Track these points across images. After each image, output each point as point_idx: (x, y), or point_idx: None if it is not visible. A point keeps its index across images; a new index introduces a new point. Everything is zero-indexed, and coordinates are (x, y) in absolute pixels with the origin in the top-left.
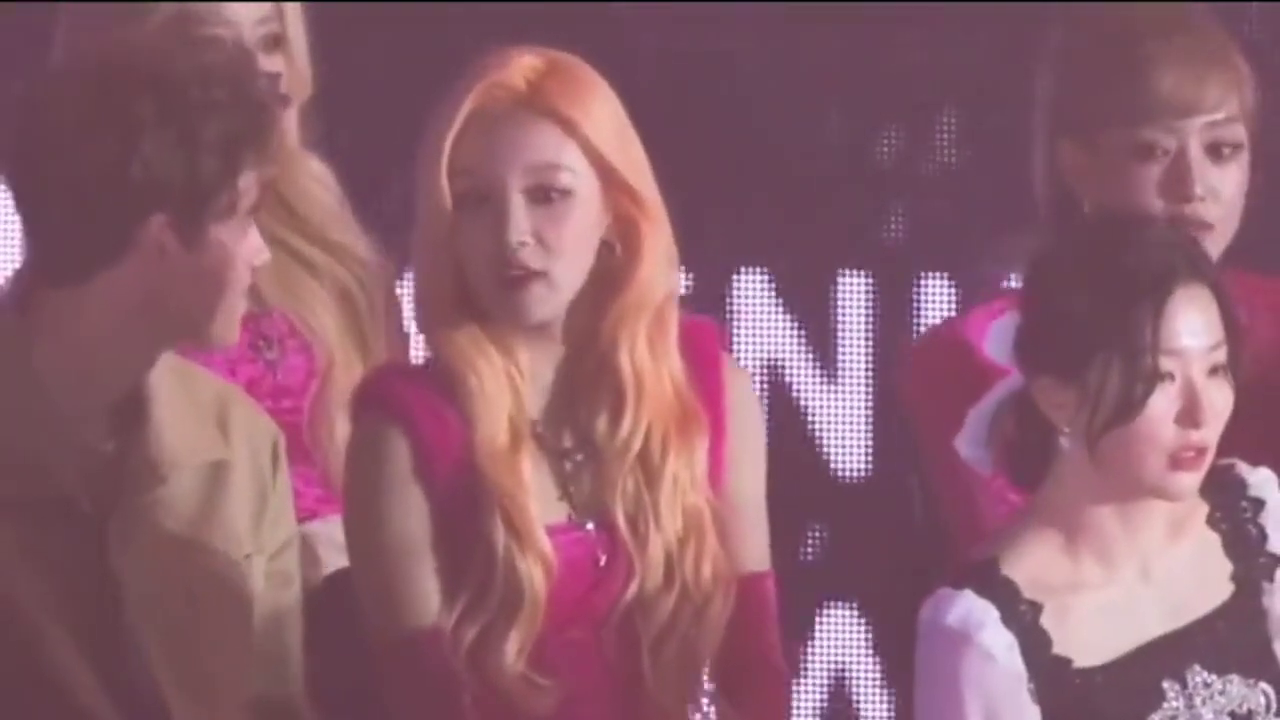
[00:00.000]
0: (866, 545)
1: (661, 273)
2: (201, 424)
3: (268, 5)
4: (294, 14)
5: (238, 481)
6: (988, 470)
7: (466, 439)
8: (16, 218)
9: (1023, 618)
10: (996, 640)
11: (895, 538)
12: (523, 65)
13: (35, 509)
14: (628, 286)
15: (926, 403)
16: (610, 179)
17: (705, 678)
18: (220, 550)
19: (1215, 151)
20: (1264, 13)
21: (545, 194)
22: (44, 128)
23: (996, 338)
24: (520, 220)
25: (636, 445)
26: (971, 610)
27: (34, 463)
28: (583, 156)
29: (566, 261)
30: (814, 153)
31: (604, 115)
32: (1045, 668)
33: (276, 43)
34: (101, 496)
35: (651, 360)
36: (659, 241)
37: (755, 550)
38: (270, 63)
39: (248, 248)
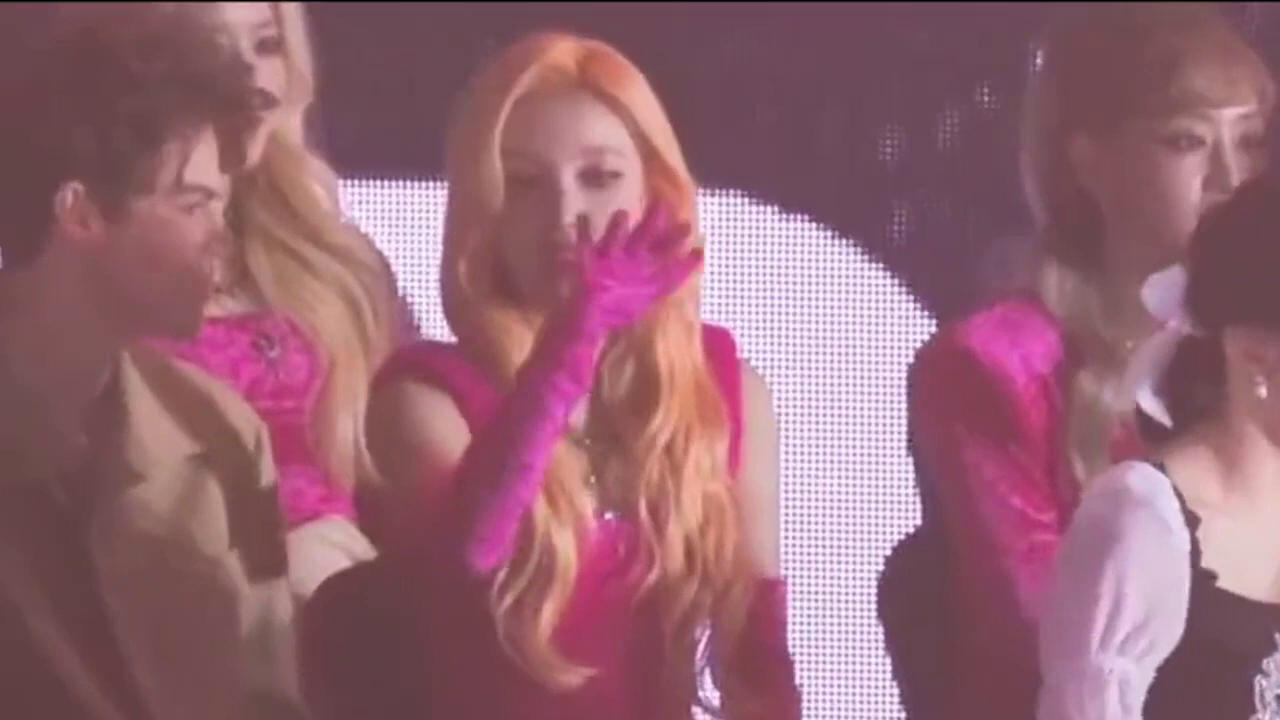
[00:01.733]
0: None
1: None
2: (182, 419)
3: (265, 7)
4: (292, 17)
5: (219, 475)
6: (1167, 422)
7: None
8: None
9: (1188, 517)
10: (1173, 515)
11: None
12: (568, 49)
13: (12, 495)
14: None
15: (929, 410)
16: (652, 160)
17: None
18: (204, 545)
19: (1244, 143)
20: (1265, 12)
21: (597, 176)
22: None
23: (1157, 289)
24: (574, 203)
25: (665, 437)
26: (1156, 479)
27: (6, 448)
28: (629, 139)
29: None
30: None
31: (646, 97)
32: (1195, 576)
33: (275, 46)
34: (78, 489)
35: (678, 349)
36: (696, 223)
37: (769, 553)
38: (269, 66)
39: (193, 231)
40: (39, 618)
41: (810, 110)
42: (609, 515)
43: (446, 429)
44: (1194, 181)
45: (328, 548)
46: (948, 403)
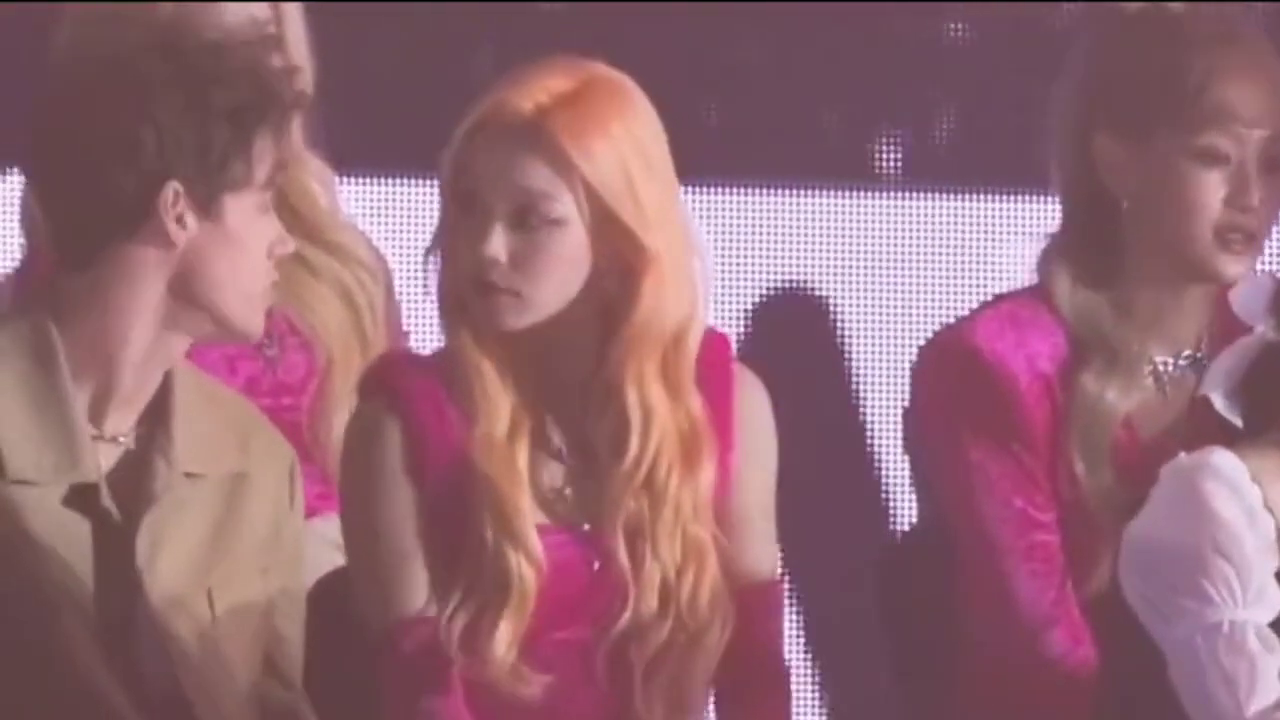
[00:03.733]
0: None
1: (667, 309)
2: (225, 436)
3: (265, 6)
4: (292, 15)
5: (257, 497)
6: (1239, 421)
7: (463, 432)
8: (32, 207)
9: (1267, 504)
10: (1255, 503)
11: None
12: (541, 87)
13: (57, 493)
14: (626, 322)
15: (932, 407)
16: (605, 220)
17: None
18: (239, 559)
19: (1269, 165)
20: (1268, 13)
21: (527, 219)
22: (59, 102)
23: (1245, 294)
24: (495, 240)
25: (642, 473)
26: (1237, 464)
27: (56, 447)
28: (572, 193)
29: (541, 285)
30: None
31: (614, 154)
32: None
33: (274, 44)
34: (123, 491)
35: (666, 395)
36: (660, 282)
37: (764, 562)
38: None
39: (267, 231)
40: (74, 623)
41: (810, 110)
42: (585, 527)
43: (393, 493)
44: (1215, 197)
45: (324, 546)
46: (951, 401)
